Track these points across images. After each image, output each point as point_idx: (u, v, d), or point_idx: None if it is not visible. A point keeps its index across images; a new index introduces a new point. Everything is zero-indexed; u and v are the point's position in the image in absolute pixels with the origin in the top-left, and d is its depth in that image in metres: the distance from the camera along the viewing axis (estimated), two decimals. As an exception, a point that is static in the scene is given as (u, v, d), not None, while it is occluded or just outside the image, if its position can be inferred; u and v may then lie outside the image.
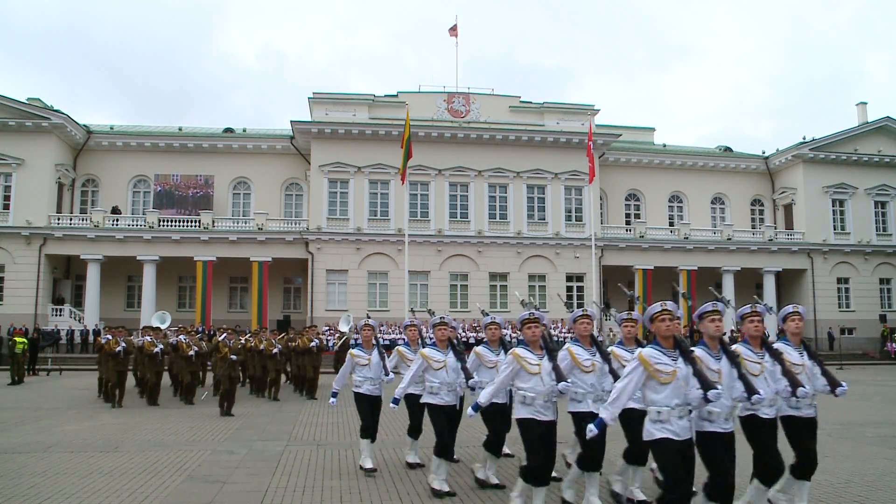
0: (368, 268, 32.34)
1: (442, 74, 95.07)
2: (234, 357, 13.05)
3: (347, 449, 9.35)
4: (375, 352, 7.97)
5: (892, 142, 37.89)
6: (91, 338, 29.77)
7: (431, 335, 7.43)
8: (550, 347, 5.80)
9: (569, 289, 33.70)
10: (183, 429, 11.16)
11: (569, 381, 5.64)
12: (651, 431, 4.59)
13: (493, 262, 33.20)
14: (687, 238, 34.94)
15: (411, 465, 8.08)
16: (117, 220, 31.91)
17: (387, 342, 29.31)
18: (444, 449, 6.86)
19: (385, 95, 34.01)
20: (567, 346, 6.20)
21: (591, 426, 4.79)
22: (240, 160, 35.08)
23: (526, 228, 33.67)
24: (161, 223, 31.66)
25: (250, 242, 31.73)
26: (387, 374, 7.84)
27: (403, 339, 10.09)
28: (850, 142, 37.31)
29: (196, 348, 15.04)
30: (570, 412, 6.18)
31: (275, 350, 15.79)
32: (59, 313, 31.35)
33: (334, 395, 8.23)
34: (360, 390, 7.82)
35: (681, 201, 38.65)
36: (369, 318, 8.42)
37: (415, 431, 8.08)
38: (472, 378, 6.86)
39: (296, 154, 34.68)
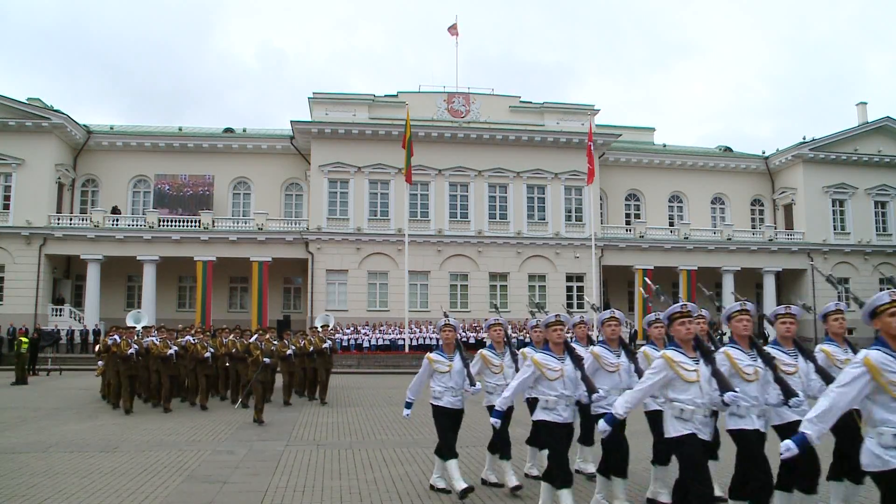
0: (368, 268, 32.34)
1: (441, 72, 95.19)
2: (267, 360, 12.27)
3: (347, 449, 9.34)
4: (458, 356, 6.78)
5: (892, 142, 37.88)
6: (91, 338, 29.81)
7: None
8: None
9: (569, 289, 33.71)
10: (183, 429, 11.16)
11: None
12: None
13: (493, 262, 33.20)
14: (687, 238, 34.94)
15: (514, 491, 6.79)
16: (117, 220, 31.91)
17: (387, 342, 29.42)
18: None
19: (385, 95, 34.02)
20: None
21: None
22: (240, 160, 35.09)
23: (526, 228, 33.67)
24: (161, 223, 31.66)
25: (250, 242, 31.73)
26: (472, 384, 6.74)
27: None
28: (850, 142, 37.31)
29: (211, 349, 14.09)
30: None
31: (289, 351, 14.72)
32: (59, 313, 31.35)
33: (409, 405, 6.90)
34: (440, 403, 6.66)
35: (681, 201, 38.66)
36: (447, 315, 7.13)
37: (505, 446, 6.94)
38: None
39: (296, 154, 34.69)
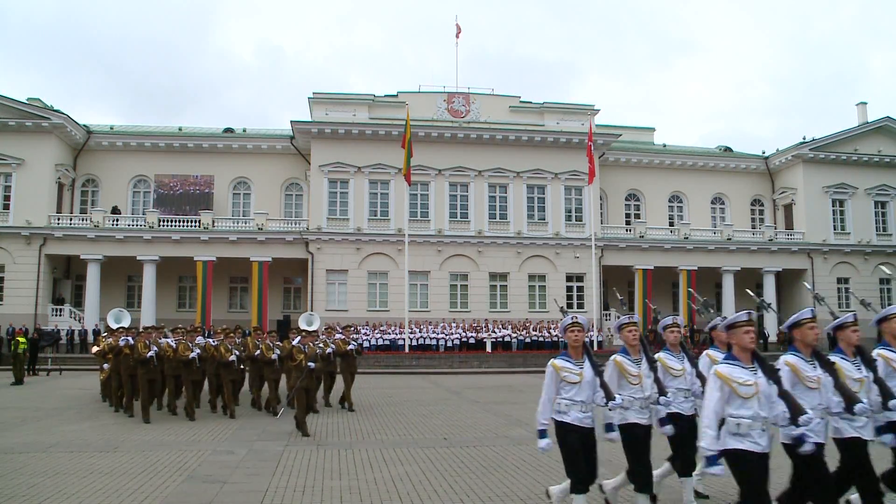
0: (368, 268, 32.35)
1: (441, 70, 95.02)
2: (311, 365, 10.91)
3: (347, 449, 9.34)
4: (587, 362, 5.54)
5: (892, 142, 37.90)
6: (91, 338, 29.77)
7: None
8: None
9: (569, 289, 33.71)
10: (183, 429, 11.16)
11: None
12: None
13: (493, 262, 33.20)
14: (687, 238, 34.95)
15: None
16: (117, 220, 31.92)
17: (387, 342, 29.40)
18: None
19: (385, 95, 34.02)
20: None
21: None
22: (240, 160, 35.10)
23: (526, 228, 33.67)
24: (161, 223, 31.66)
25: (250, 242, 31.74)
26: (609, 398, 5.37)
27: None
28: (850, 142, 37.33)
29: (236, 352, 12.73)
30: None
31: (329, 349, 13.64)
32: (59, 313, 31.35)
33: (543, 433, 5.36)
34: (567, 419, 5.36)
35: (681, 201, 38.67)
36: (565, 311, 6.04)
37: (645, 477, 5.68)
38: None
39: (296, 154, 34.69)
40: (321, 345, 13.07)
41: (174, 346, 12.60)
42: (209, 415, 12.85)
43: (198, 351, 12.54)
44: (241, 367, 13.11)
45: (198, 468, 8.05)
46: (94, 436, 10.45)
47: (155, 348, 12.30)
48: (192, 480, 7.43)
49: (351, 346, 14.37)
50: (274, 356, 12.96)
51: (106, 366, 14.22)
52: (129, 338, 12.59)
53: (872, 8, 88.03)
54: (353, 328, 18.00)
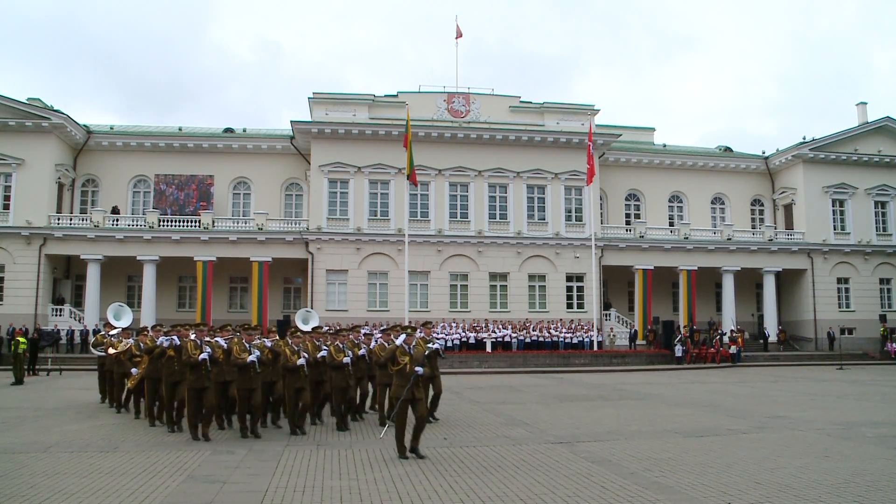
0: (368, 268, 32.35)
1: (441, 67, 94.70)
2: (419, 370, 9.05)
3: (347, 449, 9.33)
4: None
5: (892, 142, 37.90)
6: (91, 338, 29.73)
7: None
8: None
9: (569, 289, 33.71)
10: (182, 428, 11.13)
11: None
12: None
13: (493, 262, 33.19)
14: (687, 238, 34.95)
15: None
16: (117, 220, 31.93)
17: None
18: None
19: (385, 95, 34.03)
20: None
21: None
22: (240, 160, 35.10)
23: (526, 228, 33.67)
24: (161, 223, 31.67)
25: (250, 242, 31.74)
26: None
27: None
28: (850, 142, 37.33)
29: (257, 353, 10.40)
30: None
31: (347, 358, 11.24)
32: (59, 313, 31.36)
33: None
34: None
35: (681, 201, 38.67)
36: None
37: None
38: None
39: (296, 154, 34.70)
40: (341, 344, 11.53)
41: (225, 346, 10.40)
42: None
43: (257, 353, 10.32)
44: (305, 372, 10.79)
45: (198, 468, 8.05)
46: (94, 436, 10.44)
47: (209, 349, 10.08)
48: (192, 480, 7.42)
49: (435, 346, 11.86)
50: (346, 359, 11.07)
51: (135, 370, 12.54)
52: (174, 336, 10.48)
53: (876, 4, 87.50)
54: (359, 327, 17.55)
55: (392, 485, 7.21)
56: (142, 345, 12.44)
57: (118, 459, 8.53)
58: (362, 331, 13.87)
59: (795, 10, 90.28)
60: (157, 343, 11.06)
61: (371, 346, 12.01)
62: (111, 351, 13.37)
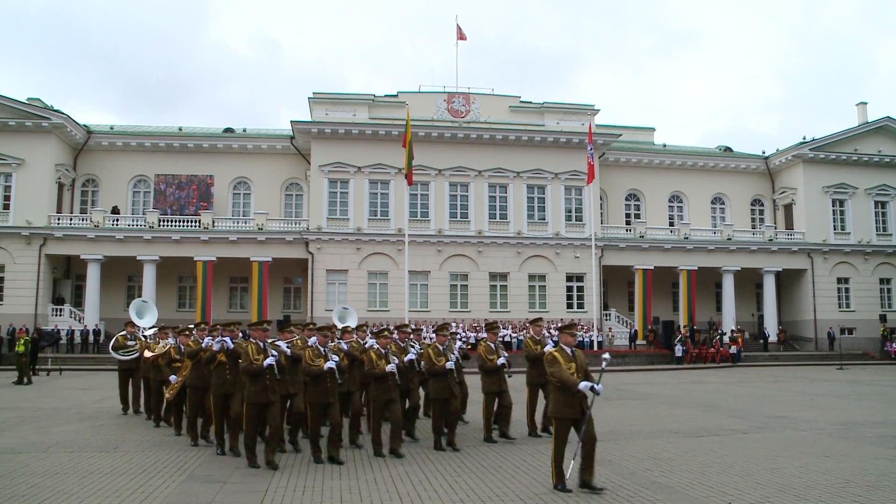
0: (368, 268, 32.35)
1: (440, 65, 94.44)
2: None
3: (347, 449, 9.32)
4: None
5: (892, 142, 37.89)
6: (91, 338, 29.76)
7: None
8: None
9: (569, 289, 33.71)
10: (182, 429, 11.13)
11: None
12: None
13: (493, 262, 33.19)
14: (687, 238, 34.95)
15: None
16: (117, 220, 31.93)
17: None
18: None
19: (385, 95, 34.04)
20: None
21: None
22: (240, 160, 35.10)
23: (526, 228, 33.67)
24: (161, 223, 31.67)
25: (250, 242, 31.74)
26: None
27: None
28: (850, 142, 37.33)
29: (335, 358, 8.58)
30: None
31: (392, 364, 8.89)
32: (59, 313, 31.35)
33: None
34: None
35: (681, 201, 38.66)
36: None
37: None
38: None
39: (296, 154, 34.70)
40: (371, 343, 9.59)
41: (288, 351, 8.63)
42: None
43: (336, 359, 8.51)
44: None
45: (198, 468, 8.05)
46: (94, 436, 10.44)
47: (275, 353, 8.20)
48: (192, 480, 7.42)
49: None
50: (390, 367, 8.78)
51: (174, 378, 10.77)
52: (227, 338, 8.92)
53: (879, 1, 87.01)
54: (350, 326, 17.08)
55: (392, 485, 7.21)
56: (182, 347, 10.61)
57: (118, 459, 8.54)
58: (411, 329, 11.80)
59: (798, 7, 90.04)
60: (204, 345, 9.40)
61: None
62: (147, 354, 11.87)
